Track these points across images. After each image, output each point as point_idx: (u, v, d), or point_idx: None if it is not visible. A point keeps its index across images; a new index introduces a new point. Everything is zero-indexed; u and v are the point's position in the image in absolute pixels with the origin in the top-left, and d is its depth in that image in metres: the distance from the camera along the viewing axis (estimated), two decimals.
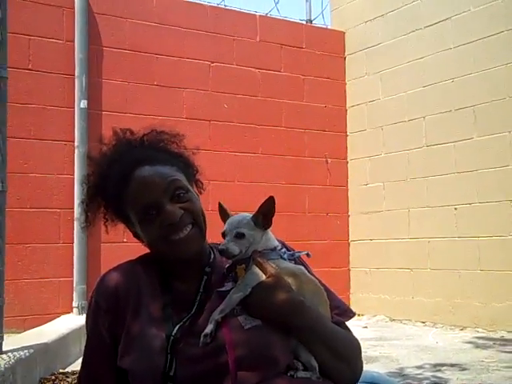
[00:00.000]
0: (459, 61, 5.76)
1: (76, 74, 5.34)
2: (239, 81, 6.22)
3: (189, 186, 1.49)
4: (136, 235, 1.52)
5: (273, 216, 1.45)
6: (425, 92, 6.05)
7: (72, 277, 5.17)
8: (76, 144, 5.25)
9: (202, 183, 1.60)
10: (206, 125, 5.99)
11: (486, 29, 5.57)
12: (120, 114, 5.49)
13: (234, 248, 1.40)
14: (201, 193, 1.56)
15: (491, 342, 4.84)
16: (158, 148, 1.55)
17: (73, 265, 5.18)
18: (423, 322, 5.90)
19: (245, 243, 1.42)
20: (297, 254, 1.52)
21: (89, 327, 1.48)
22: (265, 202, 1.44)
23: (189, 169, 1.56)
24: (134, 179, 1.45)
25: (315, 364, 1.37)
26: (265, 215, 1.45)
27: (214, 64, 6.11)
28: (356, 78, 6.78)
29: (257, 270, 1.41)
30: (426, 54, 6.06)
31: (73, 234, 5.18)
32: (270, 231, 1.49)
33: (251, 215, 1.45)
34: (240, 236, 1.41)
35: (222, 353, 1.32)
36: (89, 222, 1.54)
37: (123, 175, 1.45)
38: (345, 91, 6.84)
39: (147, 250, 1.52)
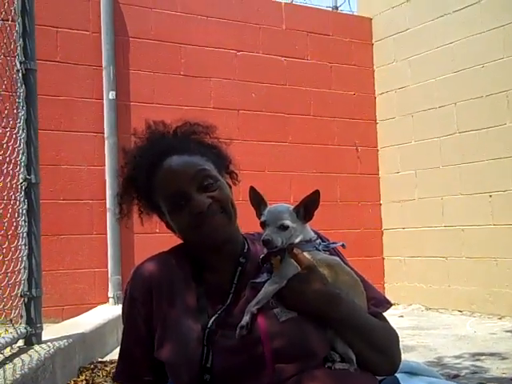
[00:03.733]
0: (489, 45, 5.64)
1: (103, 65, 5.34)
2: (266, 69, 6.18)
3: (218, 176, 1.48)
4: (168, 226, 1.51)
5: (315, 210, 1.42)
6: (455, 78, 5.94)
7: (107, 267, 5.20)
8: (106, 135, 5.25)
9: (237, 174, 1.59)
10: (235, 114, 5.95)
11: None
12: (148, 105, 5.49)
13: (278, 239, 1.38)
14: (235, 184, 1.55)
15: None
16: (190, 139, 1.54)
17: (107, 256, 5.20)
18: (460, 311, 5.81)
19: (287, 235, 1.39)
20: (332, 245, 1.50)
21: (125, 319, 1.49)
22: (309, 195, 1.42)
23: (221, 160, 1.54)
24: (162, 168, 1.45)
25: (352, 356, 1.35)
26: (307, 208, 1.42)
27: (240, 53, 6.06)
28: (384, 65, 6.69)
29: (292, 261, 1.39)
30: (455, 39, 5.95)
31: (105, 225, 5.19)
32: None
33: (292, 206, 1.43)
34: (284, 228, 1.39)
35: (258, 345, 1.31)
36: (123, 214, 1.54)
37: (152, 164, 1.46)
38: (373, 78, 6.76)
39: (180, 241, 1.52)
